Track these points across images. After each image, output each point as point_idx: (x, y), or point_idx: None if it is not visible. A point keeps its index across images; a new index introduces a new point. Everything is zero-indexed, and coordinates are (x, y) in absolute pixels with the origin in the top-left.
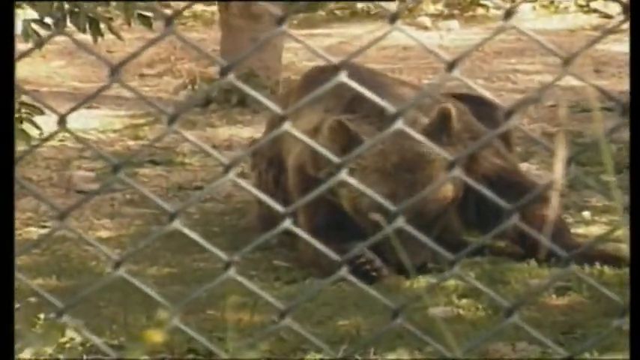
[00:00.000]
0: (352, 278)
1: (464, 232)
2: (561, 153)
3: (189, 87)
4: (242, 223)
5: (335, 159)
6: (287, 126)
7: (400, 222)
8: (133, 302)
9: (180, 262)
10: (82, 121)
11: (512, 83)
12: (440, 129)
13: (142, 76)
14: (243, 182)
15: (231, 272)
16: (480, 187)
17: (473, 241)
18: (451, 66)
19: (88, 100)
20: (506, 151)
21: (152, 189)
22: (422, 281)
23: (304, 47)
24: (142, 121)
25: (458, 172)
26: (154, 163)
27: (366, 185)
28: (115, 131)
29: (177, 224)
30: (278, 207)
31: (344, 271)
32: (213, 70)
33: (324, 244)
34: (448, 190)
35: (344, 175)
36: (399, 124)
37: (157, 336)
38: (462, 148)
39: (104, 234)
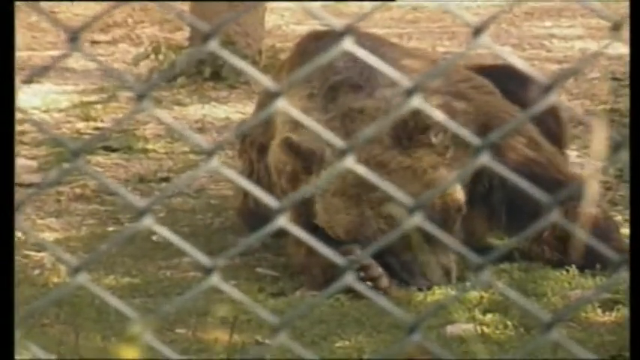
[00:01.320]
0: (360, 287)
1: (489, 235)
2: (602, 135)
3: (152, 56)
4: (216, 223)
5: (340, 143)
6: (280, 104)
7: (418, 219)
8: (85, 319)
9: (141, 270)
10: (22, 98)
11: (546, 51)
12: (406, 128)
13: (94, 43)
14: (230, 171)
15: (215, 280)
16: (511, 181)
17: (500, 245)
18: (478, 31)
19: (44, 71)
20: (557, 133)
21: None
22: (437, 293)
23: (292, 8)
24: (93, 98)
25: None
26: (109, 149)
27: (332, 213)
28: (60, 110)
29: (148, 222)
30: (270, 200)
31: (350, 279)
32: (181, 36)
33: (315, 250)
34: (456, 195)
35: (350, 161)
36: (416, 102)
37: (130, 353)
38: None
39: (49, 235)
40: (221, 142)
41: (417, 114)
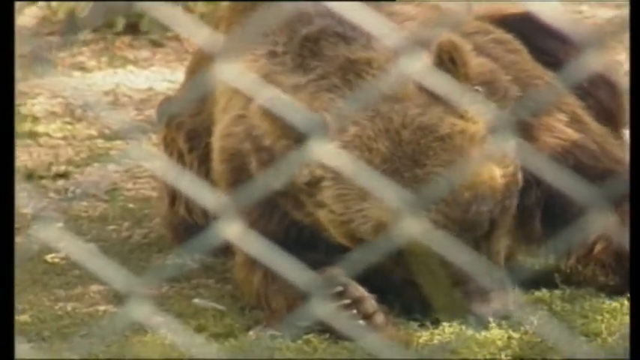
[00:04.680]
0: (346, 324)
1: (520, 250)
2: None
3: (41, 3)
4: (136, 236)
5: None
6: (223, 69)
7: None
8: None
9: (31, 302)
10: None
11: None
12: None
13: None
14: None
15: (136, 309)
16: (548, 175)
17: (536, 264)
18: None
19: None
20: (611, 108)
21: None
22: (448, 332)
23: None
24: None
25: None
26: None
27: (355, 200)
28: None
29: (47, 232)
30: (209, 201)
31: (325, 308)
32: None
33: (277, 273)
34: (493, 178)
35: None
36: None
37: None
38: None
39: None
40: (145, 126)
41: (453, 46)
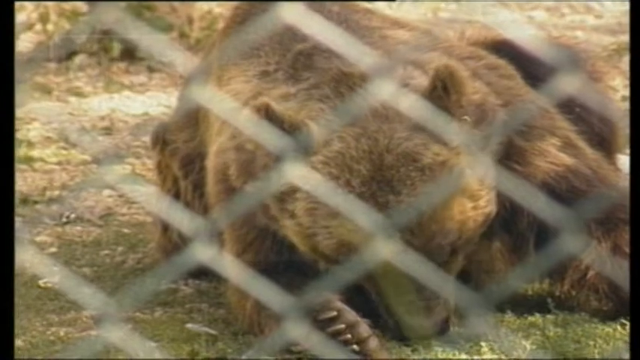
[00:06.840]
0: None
1: (513, 275)
2: None
3: (38, 26)
4: (130, 261)
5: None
6: (209, 97)
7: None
8: None
9: (24, 327)
10: None
11: (595, 17)
12: (438, 103)
13: None
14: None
15: (113, 334)
16: (539, 199)
17: (529, 289)
18: None
19: None
20: (604, 134)
21: None
22: (440, 356)
23: None
24: None
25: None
26: None
27: (323, 217)
28: None
29: (29, 257)
30: (186, 227)
31: (319, 333)
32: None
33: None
34: (463, 212)
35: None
36: (385, 88)
37: None
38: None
39: None
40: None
41: (449, 72)
